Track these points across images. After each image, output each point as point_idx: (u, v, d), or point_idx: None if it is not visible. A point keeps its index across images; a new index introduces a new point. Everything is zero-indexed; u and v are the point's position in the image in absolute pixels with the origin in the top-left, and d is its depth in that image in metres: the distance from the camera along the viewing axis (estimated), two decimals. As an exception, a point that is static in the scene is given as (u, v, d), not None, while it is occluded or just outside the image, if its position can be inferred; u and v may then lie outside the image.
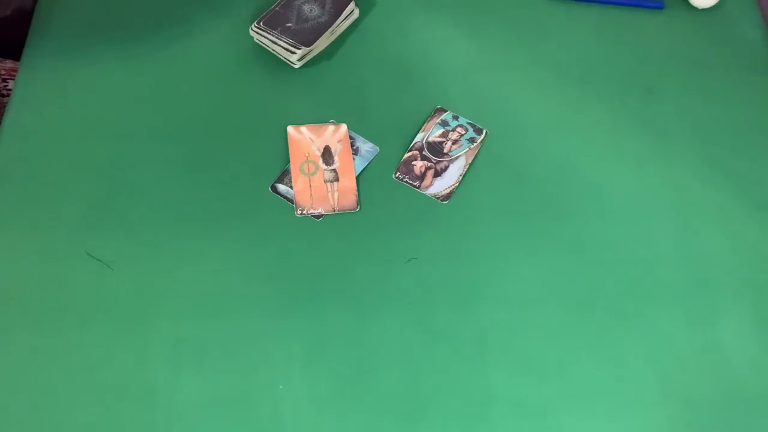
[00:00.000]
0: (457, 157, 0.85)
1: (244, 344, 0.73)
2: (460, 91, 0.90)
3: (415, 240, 0.79)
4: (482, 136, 0.86)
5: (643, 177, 0.84)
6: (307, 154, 0.84)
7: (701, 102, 0.90)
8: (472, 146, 0.86)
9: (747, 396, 0.72)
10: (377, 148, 0.86)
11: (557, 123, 0.88)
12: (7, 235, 0.79)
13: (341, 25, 0.93)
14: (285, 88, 0.90)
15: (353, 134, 0.86)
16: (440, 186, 0.83)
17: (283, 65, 0.91)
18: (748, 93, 0.90)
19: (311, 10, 0.92)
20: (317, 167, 0.84)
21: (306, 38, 0.90)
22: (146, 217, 0.80)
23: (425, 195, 0.82)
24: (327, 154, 0.85)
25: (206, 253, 0.78)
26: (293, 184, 0.82)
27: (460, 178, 0.83)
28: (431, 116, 0.88)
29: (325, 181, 0.83)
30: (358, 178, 0.83)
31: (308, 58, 0.91)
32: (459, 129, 0.87)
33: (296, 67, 0.91)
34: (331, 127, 0.86)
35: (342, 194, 0.82)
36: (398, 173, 0.84)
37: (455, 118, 0.88)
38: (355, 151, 0.85)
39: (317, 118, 0.87)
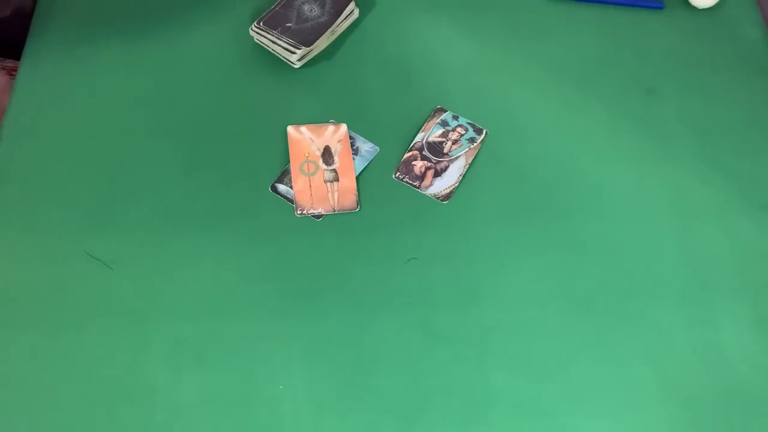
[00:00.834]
0: (457, 157, 0.85)
1: (244, 344, 0.73)
2: (460, 91, 0.90)
3: (415, 240, 0.79)
4: (482, 136, 0.86)
5: (643, 177, 0.84)
6: (307, 154, 0.84)
7: (701, 102, 0.90)
8: (472, 146, 0.86)
9: (747, 396, 0.72)
10: (377, 148, 0.86)
11: (557, 123, 0.88)
12: (7, 235, 0.79)
13: (341, 25, 0.93)
14: (285, 88, 0.90)
15: (353, 134, 0.86)
16: (440, 186, 0.83)
17: (283, 65, 0.91)
18: (748, 93, 0.90)
19: (311, 10, 0.92)
20: (317, 167, 0.84)
21: (306, 38, 0.90)
22: (146, 217, 0.80)
23: (425, 195, 0.82)
24: (327, 154, 0.85)
25: (206, 253, 0.78)
26: (293, 184, 0.82)
27: (460, 178, 0.83)
28: (431, 116, 0.88)
29: (325, 181, 0.83)
30: (358, 178, 0.83)
31: (308, 58, 0.91)
32: (459, 129, 0.87)
33: (296, 67, 0.91)
34: (331, 127, 0.86)
35: (342, 194, 0.82)
36: (398, 173, 0.84)
37: (455, 118, 0.88)
38: (355, 151, 0.85)
39: (317, 118, 0.87)
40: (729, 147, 0.86)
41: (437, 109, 0.88)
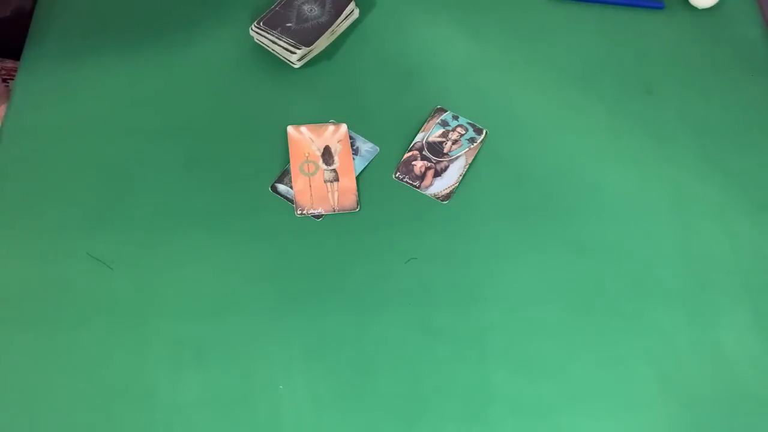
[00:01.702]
0: (457, 157, 0.85)
1: (244, 344, 0.73)
2: (460, 91, 0.90)
3: (415, 240, 0.79)
4: (482, 136, 0.86)
5: (643, 177, 0.84)
6: (307, 154, 0.84)
7: (701, 102, 0.90)
8: (472, 146, 0.86)
9: (747, 396, 0.72)
10: (377, 148, 0.86)
11: (557, 123, 0.88)
12: (7, 235, 0.79)
13: (341, 25, 0.93)
14: (285, 88, 0.90)
15: (353, 134, 0.86)
16: (440, 186, 0.83)
17: (283, 65, 0.91)
18: (748, 93, 0.90)
19: (311, 10, 0.92)
20: (317, 167, 0.84)
21: (306, 38, 0.90)
22: (146, 217, 0.80)
23: (425, 195, 0.82)
24: (327, 154, 0.85)
25: (206, 253, 0.78)
26: (293, 184, 0.82)
27: (460, 178, 0.83)
28: (431, 116, 0.88)
29: (325, 181, 0.83)
30: (358, 178, 0.83)
31: (308, 58, 0.91)
32: (459, 129, 0.87)
33: (296, 67, 0.91)
34: (331, 127, 0.86)
35: (342, 194, 0.82)
36: (398, 173, 0.84)
37: (455, 118, 0.88)
38: (355, 151, 0.85)
39: (317, 118, 0.87)
40: (729, 147, 0.86)
41: (437, 109, 0.88)
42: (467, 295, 0.76)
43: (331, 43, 0.93)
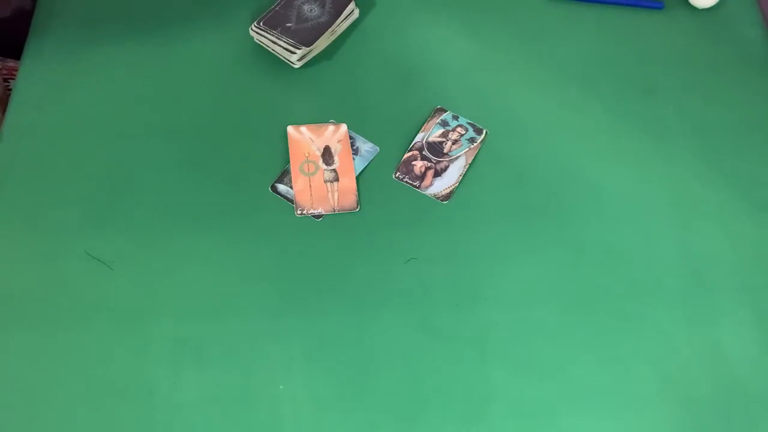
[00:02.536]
0: (457, 157, 0.85)
1: (244, 344, 0.73)
2: (460, 91, 0.90)
3: (415, 240, 0.79)
4: (482, 136, 0.86)
5: (643, 177, 0.84)
6: (307, 154, 0.84)
7: (701, 102, 0.90)
8: (472, 146, 0.86)
9: (747, 396, 0.72)
10: (377, 148, 0.86)
11: (557, 123, 0.88)
12: (7, 235, 0.79)
13: (341, 25, 0.93)
14: (285, 88, 0.90)
15: (353, 134, 0.86)
16: (440, 186, 0.83)
17: (283, 65, 0.91)
18: (748, 93, 0.90)
19: (311, 10, 0.92)
20: (317, 167, 0.84)
21: (306, 38, 0.90)
22: (146, 217, 0.80)
23: (425, 195, 0.82)
24: (327, 154, 0.85)
25: (206, 252, 0.78)
26: (293, 184, 0.82)
27: (460, 178, 0.83)
28: (431, 116, 0.88)
29: (325, 181, 0.83)
30: (358, 178, 0.83)
31: (308, 58, 0.92)
32: (459, 129, 0.87)
33: (296, 67, 0.91)
34: (331, 127, 0.86)
35: (342, 194, 0.82)
36: (398, 173, 0.84)
37: (455, 118, 0.88)
38: (355, 151, 0.85)
39: (317, 118, 0.87)
40: (729, 147, 0.86)
41: (437, 109, 0.88)
42: (467, 295, 0.76)
43: (331, 43, 0.93)
